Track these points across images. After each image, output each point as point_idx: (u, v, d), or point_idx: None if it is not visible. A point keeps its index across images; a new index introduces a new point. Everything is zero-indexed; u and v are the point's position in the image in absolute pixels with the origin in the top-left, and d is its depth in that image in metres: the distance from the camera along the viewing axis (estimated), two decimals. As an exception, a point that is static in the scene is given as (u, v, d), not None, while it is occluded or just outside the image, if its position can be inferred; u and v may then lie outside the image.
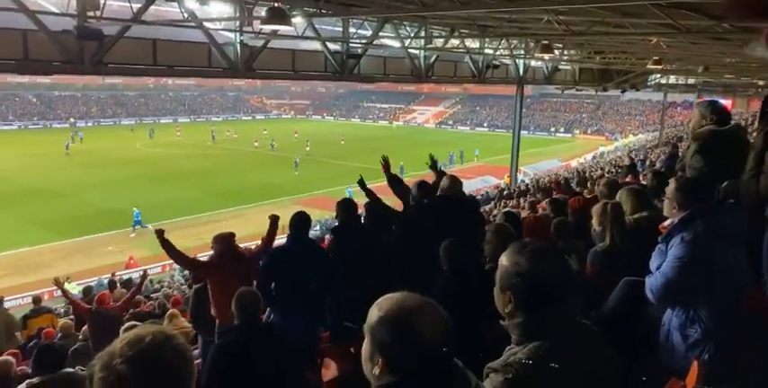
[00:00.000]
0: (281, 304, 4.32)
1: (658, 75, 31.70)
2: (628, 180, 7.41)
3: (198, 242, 23.68)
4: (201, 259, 5.71)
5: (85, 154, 46.36)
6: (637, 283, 3.01)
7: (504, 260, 1.80)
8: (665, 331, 2.84)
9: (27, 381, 4.13)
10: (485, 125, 78.10)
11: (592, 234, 4.11)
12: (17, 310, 12.14)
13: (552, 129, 73.10)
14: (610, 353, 1.83)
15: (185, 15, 11.71)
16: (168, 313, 7.22)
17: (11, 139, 55.59)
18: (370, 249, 4.89)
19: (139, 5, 10.29)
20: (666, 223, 2.92)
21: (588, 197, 5.51)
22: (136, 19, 10.32)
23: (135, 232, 25.03)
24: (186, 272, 19.50)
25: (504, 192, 22.83)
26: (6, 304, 11.27)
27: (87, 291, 11.27)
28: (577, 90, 29.80)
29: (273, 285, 4.37)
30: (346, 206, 5.05)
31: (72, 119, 69.57)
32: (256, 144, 52.23)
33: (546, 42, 14.29)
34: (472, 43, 19.02)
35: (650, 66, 18.99)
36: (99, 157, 44.70)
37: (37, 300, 10.36)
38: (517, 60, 21.93)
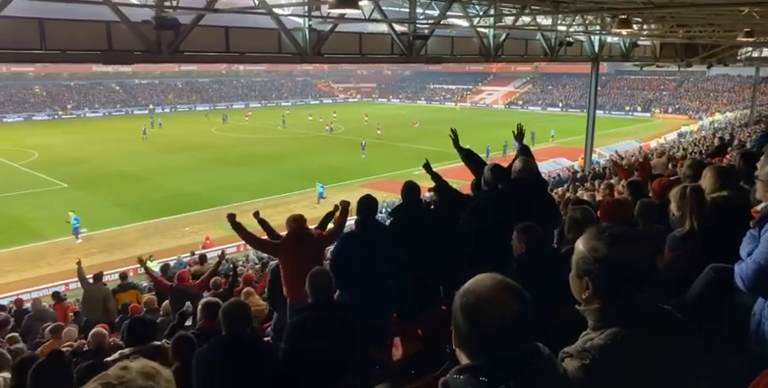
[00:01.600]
0: (353, 285, 4.39)
1: (750, 49, 29.42)
2: (715, 161, 6.95)
3: (271, 223, 24.50)
4: (272, 241, 5.86)
5: (163, 138, 48.66)
6: (724, 269, 2.83)
7: (580, 244, 1.74)
8: (755, 321, 2.67)
9: (120, 351, 4.42)
10: (558, 105, 75.48)
11: (671, 219, 3.90)
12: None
13: (629, 109, 69.71)
14: (692, 341, 1.74)
15: (256, 2, 11.96)
16: (244, 290, 7.50)
17: (97, 126, 59.23)
18: (438, 232, 4.87)
19: (212, -6, 10.59)
20: (760, 207, 2.72)
21: (672, 179, 5.21)
22: (209, 7, 10.63)
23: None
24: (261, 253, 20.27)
25: (578, 175, 22.05)
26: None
27: (165, 269, 11.88)
28: (658, 66, 28.18)
29: (345, 267, 4.44)
30: (410, 188, 5.02)
31: (151, 106, 73.14)
32: (327, 127, 53.03)
33: (624, 16, 13.53)
34: (544, 20, 18.35)
35: (741, 39, 17.63)
36: (175, 142, 46.83)
37: (123, 276, 11.05)
38: (592, 36, 20.96)
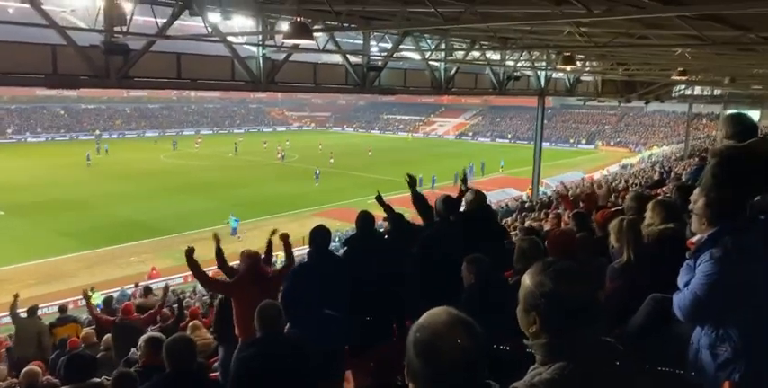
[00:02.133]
0: (304, 317, 4.32)
1: (683, 87, 31.29)
2: (655, 192, 7.27)
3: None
4: (225, 280, 5.69)
5: (109, 165, 47.23)
6: (664, 299, 2.94)
7: (527, 279, 1.77)
8: (694, 350, 2.76)
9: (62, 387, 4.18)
10: (507, 136, 77.80)
11: (611, 251, 4.04)
12: (43, 318, 12.31)
13: (573, 141, 72.49)
14: (635, 372, 1.79)
15: (209, 30, 11.92)
16: (190, 324, 7.26)
17: (39, 151, 56.97)
18: (391, 263, 4.87)
19: (164, 20, 10.50)
20: (695, 239, 2.85)
21: (613, 210, 5.42)
22: (161, 34, 10.52)
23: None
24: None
25: (526, 204, 22.61)
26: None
27: (108, 301, 11.39)
28: (600, 101, 29.50)
29: (297, 299, 4.37)
30: (364, 218, 5.03)
31: (97, 132, 71.02)
32: (279, 155, 52.76)
33: (568, 54, 14.22)
34: (493, 55, 19.01)
35: (675, 78, 18.74)
36: (122, 169, 45.51)
37: (63, 309, 10.49)
38: (539, 72, 21.85)
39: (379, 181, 40.95)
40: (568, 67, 16.72)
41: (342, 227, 22.49)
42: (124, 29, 10.07)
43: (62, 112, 77.22)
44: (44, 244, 24.75)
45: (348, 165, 48.39)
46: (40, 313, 12.32)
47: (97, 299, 16.95)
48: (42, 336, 8.83)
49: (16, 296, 9.19)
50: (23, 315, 9.12)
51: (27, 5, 9.48)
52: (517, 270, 4.13)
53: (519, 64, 19.55)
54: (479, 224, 5.02)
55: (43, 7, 9.28)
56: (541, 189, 29.72)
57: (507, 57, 19.02)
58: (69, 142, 66.65)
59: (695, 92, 35.36)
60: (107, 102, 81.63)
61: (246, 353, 3.51)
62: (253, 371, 3.35)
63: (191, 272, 5.45)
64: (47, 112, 75.86)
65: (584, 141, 72.22)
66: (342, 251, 5.35)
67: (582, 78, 25.02)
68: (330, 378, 4.30)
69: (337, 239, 21.71)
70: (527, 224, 10.88)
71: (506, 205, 27.04)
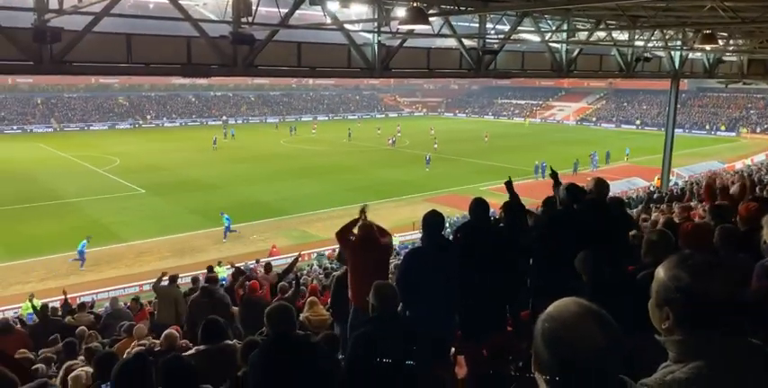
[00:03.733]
0: (417, 302, 4.35)
1: None
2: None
3: (331, 234, 24.84)
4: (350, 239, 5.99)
5: (234, 149, 50.45)
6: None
7: (661, 272, 1.66)
8: None
9: (195, 347, 4.55)
10: (634, 122, 72.87)
11: (761, 248, 3.63)
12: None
13: (711, 128, 66.30)
14: None
15: (327, 18, 12.24)
16: (308, 300, 7.56)
17: (174, 135, 62.28)
18: (506, 251, 4.74)
19: (286, 10, 10.91)
20: None
21: (762, 202, 4.85)
22: (283, 23, 10.96)
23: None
24: (325, 262, 20.54)
25: (654, 196, 21.02)
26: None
27: (236, 274, 12.16)
28: (745, 83, 26.63)
29: (410, 283, 4.40)
30: (478, 205, 4.92)
31: (224, 117, 76.14)
32: (390, 140, 53.49)
33: (708, 32, 12.90)
34: (620, 35, 17.76)
35: (838, 55, 16.42)
36: (245, 152, 48.44)
37: (195, 280, 11.41)
38: (672, 52, 20.09)
39: (491, 168, 40.26)
40: (708, 47, 15.23)
41: (452, 214, 22.37)
42: (250, 19, 10.62)
43: (194, 99, 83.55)
44: (177, 221, 27.09)
45: (460, 151, 47.93)
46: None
47: (223, 273, 18.32)
48: (179, 303, 9.67)
49: (164, 273, 10.15)
50: (164, 283, 10.02)
51: (165, 0, 10.28)
52: (645, 264, 3.85)
53: (650, 44, 18.08)
54: (603, 214, 4.72)
55: (179, 2, 10.01)
56: (672, 179, 27.52)
57: (637, 36, 17.66)
58: (200, 127, 72.07)
59: None
60: (233, 90, 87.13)
61: (363, 330, 3.60)
62: (367, 349, 3.43)
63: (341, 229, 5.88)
64: (180, 99, 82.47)
65: (723, 128, 65.85)
66: (454, 238, 5.28)
67: (724, 58, 22.64)
68: (442, 362, 4.29)
69: (448, 226, 21.69)
70: (654, 216, 10.09)
71: (631, 196, 25.38)
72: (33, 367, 6.08)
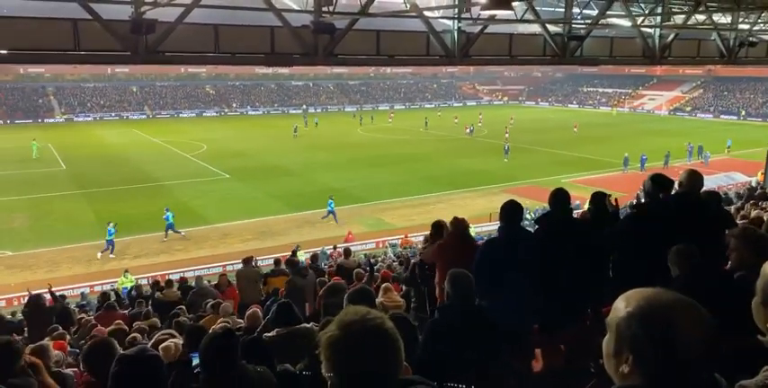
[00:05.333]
0: (494, 292, 4.28)
1: None
2: None
3: (408, 223, 24.97)
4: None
5: (313, 137, 51.60)
6: None
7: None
8: None
9: (277, 329, 4.73)
10: (735, 112, 67.81)
11: None
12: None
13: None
14: None
15: (407, 5, 12.17)
16: (383, 286, 7.64)
17: (257, 123, 64.54)
18: (586, 243, 4.55)
19: (366, -1, 10.94)
20: None
21: None
22: (363, 12, 11.00)
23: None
24: (400, 249, 20.67)
25: (756, 192, 19.44)
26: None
27: (314, 258, 12.52)
28: None
29: (487, 273, 4.33)
30: (559, 196, 4.74)
31: (304, 106, 77.99)
32: (467, 130, 52.77)
33: (824, 11, 11.73)
34: (722, 18, 16.50)
35: None
36: (325, 140, 49.42)
37: (277, 262, 11.82)
38: (781, 35, 18.45)
39: (574, 159, 38.89)
40: (823, 28, 13.83)
41: (531, 205, 21.82)
42: (331, 8, 10.74)
43: (276, 88, 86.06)
44: (259, 205, 28.12)
45: (541, 141, 46.59)
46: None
47: (302, 256, 18.88)
48: (255, 282, 10.07)
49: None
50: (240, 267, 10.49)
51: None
52: (740, 264, 3.56)
53: (756, 27, 16.66)
54: (697, 209, 4.41)
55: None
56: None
57: (741, 19, 16.32)
58: (281, 115, 74.21)
59: None
60: (313, 79, 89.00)
61: (440, 317, 3.60)
62: (444, 335, 3.42)
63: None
64: (263, 88, 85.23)
65: (843, 119, 59.98)
66: (534, 229, 5.14)
67: (840, 41, 20.52)
68: (518, 354, 4.21)
69: (528, 217, 21.17)
70: (755, 213, 9.36)
71: (726, 192, 23.68)
72: (129, 337, 6.53)
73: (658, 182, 4.62)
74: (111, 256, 21.86)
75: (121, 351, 3.45)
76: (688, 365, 1.24)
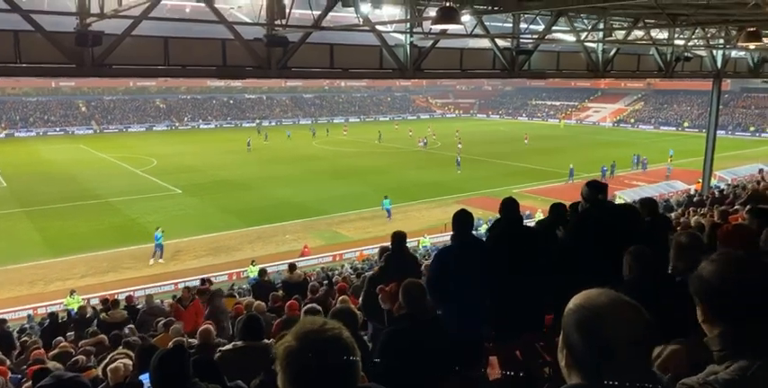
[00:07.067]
0: (447, 301, 4.33)
1: None
2: None
3: (365, 235, 24.95)
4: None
5: (267, 151, 51.07)
6: None
7: (701, 269, 1.66)
8: None
9: (233, 342, 4.62)
10: (673, 124, 71.14)
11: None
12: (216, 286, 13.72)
13: (756, 129, 64.21)
14: None
15: (360, 20, 12.30)
16: (339, 298, 7.61)
17: (209, 137, 63.39)
18: (538, 250, 4.67)
19: (319, 12, 11.01)
20: None
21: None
22: (316, 25, 11.06)
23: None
24: (356, 263, 20.59)
25: (695, 199, 20.38)
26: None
27: (262, 272, 12.30)
28: (789, 83, 25.65)
29: (441, 283, 4.38)
30: (509, 204, 4.85)
31: (258, 120, 77.17)
32: (420, 142, 53.38)
33: (752, 29, 12.50)
34: (659, 34, 17.36)
35: None
36: (279, 154, 48.99)
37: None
38: (714, 51, 19.52)
39: (524, 170, 39.81)
40: (752, 45, 14.75)
41: (484, 216, 22.19)
42: (284, 22, 10.75)
43: (229, 101, 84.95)
44: (212, 220, 27.55)
45: (492, 153, 47.54)
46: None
47: (253, 272, 18.57)
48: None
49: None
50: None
51: (201, 4, 10.49)
52: (679, 270, 3.72)
53: (691, 43, 17.61)
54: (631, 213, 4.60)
55: (214, 5, 10.20)
56: (714, 182, 26.70)
57: (677, 35, 17.22)
58: (234, 129, 73.22)
59: None
60: (267, 93, 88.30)
61: (395, 327, 3.61)
62: (399, 345, 3.44)
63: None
64: (216, 102, 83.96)
65: (769, 129, 63.65)
66: (485, 238, 5.23)
67: (768, 56, 21.89)
68: (473, 363, 4.25)
69: (484, 225, 21.51)
70: (695, 219, 9.80)
71: (667, 199, 24.72)
72: (72, 360, 6.26)
73: (594, 186, 4.78)
74: (160, 261, 22.35)
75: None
76: (619, 362, 1.28)
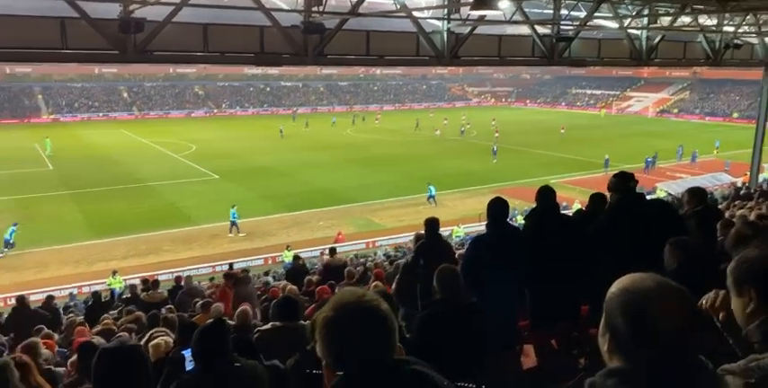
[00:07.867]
0: (482, 288, 4.31)
1: None
2: None
3: (398, 223, 25.00)
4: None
5: (302, 137, 51.43)
6: None
7: (743, 257, 1.70)
8: None
9: (272, 322, 4.70)
10: (720, 114, 68.70)
11: None
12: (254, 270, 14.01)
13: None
14: None
15: (396, 6, 12.21)
16: (373, 284, 7.69)
17: (246, 123, 64.23)
18: (574, 239, 4.60)
19: None
20: None
21: None
22: (353, 12, 11.03)
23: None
24: (389, 250, 20.70)
25: (741, 192, 19.64)
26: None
27: (296, 258, 12.48)
28: None
29: (475, 270, 4.37)
30: (545, 193, 4.78)
31: (294, 108, 77.73)
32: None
33: (807, 14, 11.92)
34: (707, 20, 16.71)
35: None
36: (314, 141, 49.31)
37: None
38: (766, 38, 18.68)
39: (562, 161, 39.10)
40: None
41: (519, 206, 21.94)
42: (321, 8, 10.76)
43: (266, 88, 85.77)
44: (248, 205, 27.95)
45: (529, 142, 46.82)
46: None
47: (288, 257, 18.84)
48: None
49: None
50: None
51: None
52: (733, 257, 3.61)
53: (741, 29, 16.89)
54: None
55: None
56: (762, 175, 25.70)
57: (726, 21, 16.54)
58: (271, 116, 73.93)
59: None
60: (303, 80, 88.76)
61: (429, 311, 3.62)
62: (433, 328, 3.45)
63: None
64: (253, 89, 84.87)
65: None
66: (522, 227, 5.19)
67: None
68: (507, 350, 4.24)
69: (517, 217, 21.28)
70: (740, 213, 9.49)
71: (712, 192, 23.92)
72: (117, 335, 6.50)
73: (621, 175, 4.66)
74: (240, 235, 23.89)
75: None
76: (664, 347, 1.27)
